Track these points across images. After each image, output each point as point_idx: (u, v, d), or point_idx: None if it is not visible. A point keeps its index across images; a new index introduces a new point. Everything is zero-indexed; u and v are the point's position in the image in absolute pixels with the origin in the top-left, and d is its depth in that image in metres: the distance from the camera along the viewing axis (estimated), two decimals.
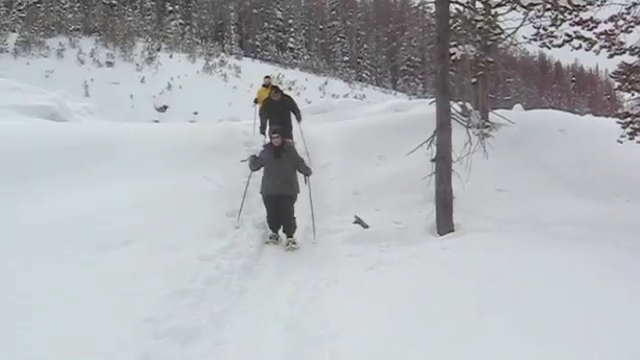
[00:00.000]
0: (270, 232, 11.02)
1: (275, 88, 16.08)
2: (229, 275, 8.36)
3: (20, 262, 7.75)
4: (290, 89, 72.31)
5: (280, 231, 11.02)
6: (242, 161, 11.42)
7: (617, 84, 14.81)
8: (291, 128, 15.62)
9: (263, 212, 11.26)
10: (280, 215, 10.93)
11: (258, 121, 16.96)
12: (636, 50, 13.65)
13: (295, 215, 10.96)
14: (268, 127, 15.22)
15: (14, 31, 73.07)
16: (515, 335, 5.80)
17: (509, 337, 5.78)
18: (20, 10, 77.96)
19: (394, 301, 7.22)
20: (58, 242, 8.50)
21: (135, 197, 10.87)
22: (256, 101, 18.10)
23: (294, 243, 10.69)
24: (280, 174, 10.89)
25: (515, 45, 16.21)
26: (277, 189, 10.83)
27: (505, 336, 5.81)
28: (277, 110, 15.31)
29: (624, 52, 14.00)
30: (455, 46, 12.55)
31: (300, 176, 11.33)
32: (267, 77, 19.37)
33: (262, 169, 11.27)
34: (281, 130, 11.26)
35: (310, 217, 11.38)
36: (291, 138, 15.24)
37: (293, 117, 15.87)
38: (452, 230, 10.82)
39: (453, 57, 12.05)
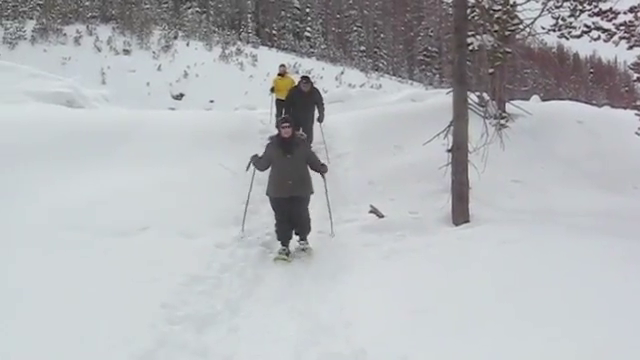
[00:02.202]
0: (279, 246, 9.45)
1: (306, 78, 15.81)
2: (243, 263, 8.44)
3: (37, 247, 7.83)
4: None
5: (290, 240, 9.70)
6: (247, 169, 9.89)
7: (636, 76, 14.75)
8: (313, 122, 15.41)
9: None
10: (293, 221, 9.55)
11: (274, 110, 16.91)
12: None
13: (310, 217, 9.76)
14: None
15: (32, 18, 73.26)
16: (530, 325, 5.78)
17: (525, 327, 5.77)
18: None
19: (409, 290, 7.22)
20: (75, 227, 8.58)
21: (151, 184, 10.95)
22: (272, 90, 17.94)
23: (305, 248, 9.59)
24: (291, 172, 9.39)
25: (533, 36, 16.13)
26: (288, 190, 9.36)
27: (521, 326, 5.79)
28: (303, 101, 15.11)
29: None
30: (473, 36, 12.43)
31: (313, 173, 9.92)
32: (282, 66, 19.13)
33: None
34: (292, 120, 9.71)
35: (326, 207, 10.45)
36: (311, 133, 15.15)
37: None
38: (467, 220, 10.78)
39: (470, 47, 11.95)
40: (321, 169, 9.89)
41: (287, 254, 9.28)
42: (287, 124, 9.50)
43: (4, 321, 5.89)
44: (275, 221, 9.64)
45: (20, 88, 19.33)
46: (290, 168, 9.41)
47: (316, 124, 15.44)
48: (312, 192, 9.77)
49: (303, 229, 9.67)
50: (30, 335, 5.70)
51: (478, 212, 10.95)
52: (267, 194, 9.69)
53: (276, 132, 9.93)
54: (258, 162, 9.77)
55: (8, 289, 6.63)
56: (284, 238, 9.49)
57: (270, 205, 9.73)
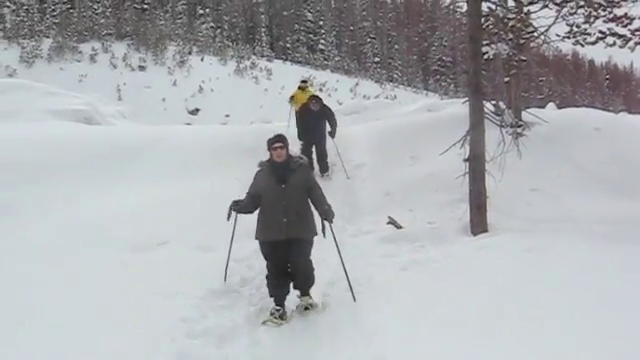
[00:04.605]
0: (272, 305, 7.44)
1: (316, 98, 15.60)
2: (262, 275, 8.41)
3: (57, 263, 7.90)
4: (321, 90, 72.22)
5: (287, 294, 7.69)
6: (228, 218, 7.65)
7: None
8: (326, 140, 15.29)
9: None
10: (292, 268, 7.55)
11: (293, 122, 16.85)
12: None
13: (314, 266, 7.67)
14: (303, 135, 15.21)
15: (48, 37, 74.00)
16: (552, 336, 5.76)
17: (545, 338, 5.73)
18: (54, 16, 78.96)
19: (428, 302, 7.19)
20: (94, 243, 8.67)
21: (169, 199, 11.02)
22: (292, 98, 17.87)
23: (310, 305, 7.58)
24: (287, 207, 7.35)
25: (548, 43, 16.07)
26: (283, 231, 7.31)
27: (542, 337, 5.76)
28: (315, 121, 15.06)
29: None
30: (487, 45, 12.46)
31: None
32: (304, 81, 18.95)
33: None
34: (285, 140, 7.68)
35: (340, 263, 7.85)
36: (324, 150, 15.18)
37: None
38: (486, 230, 10.74)
39: (485, 56, 11.97)
40: (326, 212, 7.50)
41: (282, 316, 7.30)
42: (280, 144, 7.54)
43: (21, 337, 5.96)
44: (266, 272, 7.65)
45: (38, 106, 19.55)
46: (285, 202, 7.36)
47: (329, 139, 15.39)
48: (315, 233, 7.62)
49: (304, 282, 7.64)
50: (48, 351, 5.75)
51: (496, 221, 10.91)
52: (256, 238, 7.63)
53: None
54: (240, 204, 7.65)
55: (25, 305, 6.70)
56: (279, 295, 7.51)
57: (260, 252, 7.70)
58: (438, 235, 10.52)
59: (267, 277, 7.60)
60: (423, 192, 12.87)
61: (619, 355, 5.26)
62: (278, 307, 7.37)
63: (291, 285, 7.62)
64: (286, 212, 7.33)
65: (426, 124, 17.68)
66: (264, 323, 7.08)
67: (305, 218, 7.52)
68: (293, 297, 7.65)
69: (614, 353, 5.30)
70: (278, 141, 7.56)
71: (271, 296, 7.52)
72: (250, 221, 7.69)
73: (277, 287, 7.50)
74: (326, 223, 7.51)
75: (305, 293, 7.64)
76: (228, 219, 7.64)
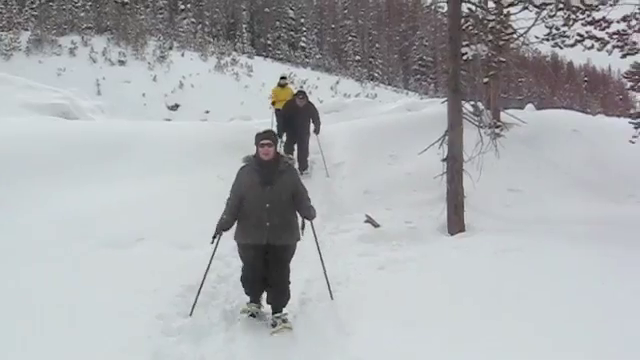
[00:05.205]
0: (248, 298, 7.23)
1: (302, 93, 15.62)
2: (240, 273, 8.40)
3: (31, 259, 7.83)
4: (302, 88, 72.34)
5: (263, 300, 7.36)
6: (213, 240, 7.13)
7: (630, 84, 14.81)
8: (309, 136, 15.33)
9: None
10: (268, 276, 7.04)
11: (275, 122, 16.79)
12: None
13: (290, 279, 7.16)
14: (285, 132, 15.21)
15: (27, 29, 73.28)
16: (528, 334, 5.81)
17: (522, 336, 5.79)
18: (32, 8, 78.17)
19: (405, 300, 7.22)
20: (71, 239, 8.61)
21: (148, 195, 10.97)
22: (274, 104, 17.63)
23: (285, 321, 6.94)
24: (270, 211, 6.83)
25: (527, 45, 16.16)
26: (265, 235, 6.83)
27: (518, 335, 5.82)
28: (299, 116, 15.07)
29: (637, 52, 13.99)
30: (467, 46, 12.48)
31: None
32: (283, 78, 18.95)
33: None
34: (274, 136, 7.25)
35: (318, 262, 7.75)
36: (307, 147, 15.20)
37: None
38: (463, 230, 10.82)
39: (465, 57, 11.99)
40: (308, 212, 7.17)
41: (256, 310, 7.16)
42: (268, 141, 7.00)
43: None
44: (242, 272, 7.26)
45: (16, 100, 19.37)
46: (269, 205, 6.85)
47: (312, 135, 15.38)
48: (299, 239, 7.22)
49: (280, 292, 7.10)
50: (21, 348, 5.73)
51: (474, 221, 11.00)
52: (235, 239, 7.18)
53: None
54: (224, 224, 7.08)
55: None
56: (253, 291, 7.22)
57: (238, 253, 7.32)
58: (415, 234, 10.58)
59: (241, 278, 7.22)
60: (402, 191, 12.94)
61: (595, 352, 5.32)
62: (253, 303, 7.16)
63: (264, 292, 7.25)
64: (269, 216, 6.83)
65: (406, 123, 17.74)
66: (242, 312, 7.01)
67: (289, 222, 7.08)
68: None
69: (589, 351, 5.36)
70: (267, 138, 7.02)
71: (247, 293, 7.22)
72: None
73: (253, 288, 7.17)
74: (307, 222, 7.20)
75: (278, 310, 7.06)
76: (212, 242, 7.14)
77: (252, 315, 7.06)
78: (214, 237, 7.10)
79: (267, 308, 7.21)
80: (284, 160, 7.16)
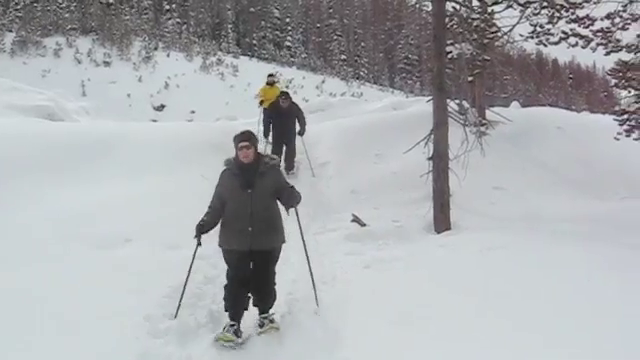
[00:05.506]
0: (227, 320, 6.72)
1: (285, 94, 15.57)
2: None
3: (19, 260, 7.78)
4: (287, 87, 72.25)
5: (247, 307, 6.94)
6: (198, 243, 6.91)
7: (614, 81, 14.89)
8: (295, 137, 15.29)
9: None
10: (252, 283, 6.82)
11: (262, 120, 16.66)
12: (632, 47, 13.71)
13: (276, 281, 7.04)
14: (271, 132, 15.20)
15: (11, 31, 72.97)
16: (514, 332, 5.83)
17: (508, 334, 5.81)
18: (17, 10, 77.79)
19: (391, 300, 7.23)
20: (57, 240, 8.57)
21: (134, 196, 10.93)
22: (261, 103, 17.55)
23: (272, 322, 6.79)
24: (253, 215, 6.65)
25: (512, 43, 16.28)
26: (248, 241, 6.65)
27: (505, 333, 5.83)
28: (284, 117, 15.04)
29: (621, 49, 14.07)
30: (452, 44, 12.56)
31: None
32: (271, 75, 18.91)
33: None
34: (253, 138, 6.85)
35: (304, 262, 7.56)
36: (294, 148, 15.18)
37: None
38: (449, 228, 10.85)
39: (450, 55, 12.09)
40: (291, 200, 6.87)
41: (236, 332, 6.55)
42: (246, 143, 6.74)
43: None
44: (226, 280, 6.97)
45: (1, 101, 19.23)
46: (250, 209, 6.65)
47: (298, 137, 15.35)
48: (284, 241, 7.04)
49: (265, 300, 6.96)
50: (8, 347, 5.72)
51: (460, 219, 11.03)
52: (219, 245, 7.01)
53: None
54: (205, 225, 6.89)
55: None
56: (235, 309, 6.76)
57: (223, 258, 7.09)
58: (402, 233, 10.60)
59: (225, 287, 6.88)
60: (388, 190, 12.96)
61: (586, 352, 5.35)
62: (233, 323, 6.63)
63: (250, 302, 6.93)
64: (252, 220, 6.64)
65: (391, 122, 17.76)
66: (217, 340, 6.40)
67: (273, 226, 6.85)
68: (252, 316, 7.03)
69: (579, 347, 5.39)
70: (245, 140, 6.73)
71: (226, 311, 6.80)
72: None
73: (235, 300, 6.76)
74: (292, 209, 6.99)
75: (265, 311, 6.91)
76: (199, 244, 6.92)
77: (228, 340, 6.41)
78: (199, 241, 6.91)
79: (247, 323, 6.93)
80: (265, 161, 6.89)
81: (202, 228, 6.85)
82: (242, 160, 6.73)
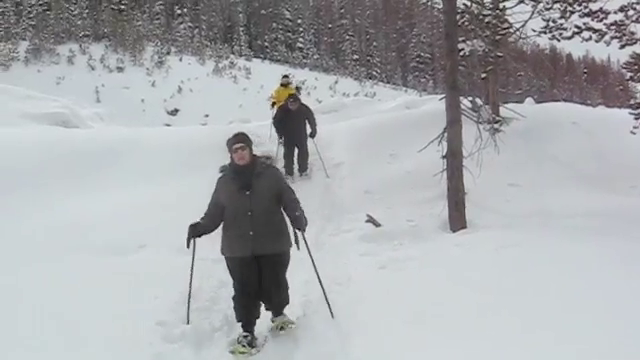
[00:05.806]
0: (240, 330, 6.61)
1: (293, 96, 15.47)
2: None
3: (34, 266, 7.84)
4: (298, 89, 72.32)
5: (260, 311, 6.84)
6: (188, 245, 6.73)
7: (629, 75, 14.76)
8: (307, 139, 15.15)
9: None
10: (262, 291, 6.63)
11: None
12: None
13: (289, 285, 6.91)
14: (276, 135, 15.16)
15: (24, 39, 73.61)
16: (531, 330, 5.76)
17: (526, 332, 5.74)
18: (30, 18, 78.47)
19: (407, 300, 7.17)
20: (73, 247, 8.67)
21: (148, 201, 10.98)
22: (274, 104, 17.36)
23: (285, 323, 6.77)
24: (253, 218, 6.39)
25: (524, 39, 16.17)
26: (249, 246, 6.40)
27: (522, 332, 5.76)
28: (293, 120, 14.87)
29: (635, 42, 13.96)
30: (464, 41, 12.50)
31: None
32: (286, 77, 18.82)
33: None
34: (247, 139, 6.69)
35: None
36: (306, 150, 15.09)
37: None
38: (465, 226, 10.77)
39: (462, 52, 12.02)
40: (298, 220, 6.54)
41: (250, 343, 6.41)
42: (241, 144, 6.52)
43: None
44: (233, 291, 6.73)
45: (15, 110, 19.37)
46: (251, 212, 6.40)
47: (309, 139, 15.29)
48: (290, 245, 6.69)
49: (277, 304, 6.82)
50: (25, 350, 5.76)
51: (475, 217, 10.96)
52: (222, 253, 6.77)
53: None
54: (199, 227, 6.70)
55: (4, 310, 6.65)
56: (247, 319, 6.61)
57: (228, 268, 6.83)
58: (417, 232, 10.54)
59: (233, 298, 6.66)
60: (402, 190, 12.88)
61: (600, 349, 5.27)
62: (246, 334, 6.49)
63: (262, 308, 6.80)
64: (252, 224, 6.37)
65: (405, 121, 17.67)
66: (232, 352, 6.27)
67: (276, 229, 6.60)
68: (265, 319, 6.96)
69: (593, 343, 5.32)
70: (239, 141, 6.53)
71: (238, 321, 6.64)
72: None
73: (245, 309, 6.59)
74: (299, 233, 6.60)
75: (279, 313, 6.80)
76: (188, 246, 6.70)
77: (243, 351, 6.29)
78: (188, 243, 6.70)
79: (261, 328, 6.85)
80: (261, 161, 6.72)
81: (195, 228, 6.64)
82: (238, 163, 6.53)
